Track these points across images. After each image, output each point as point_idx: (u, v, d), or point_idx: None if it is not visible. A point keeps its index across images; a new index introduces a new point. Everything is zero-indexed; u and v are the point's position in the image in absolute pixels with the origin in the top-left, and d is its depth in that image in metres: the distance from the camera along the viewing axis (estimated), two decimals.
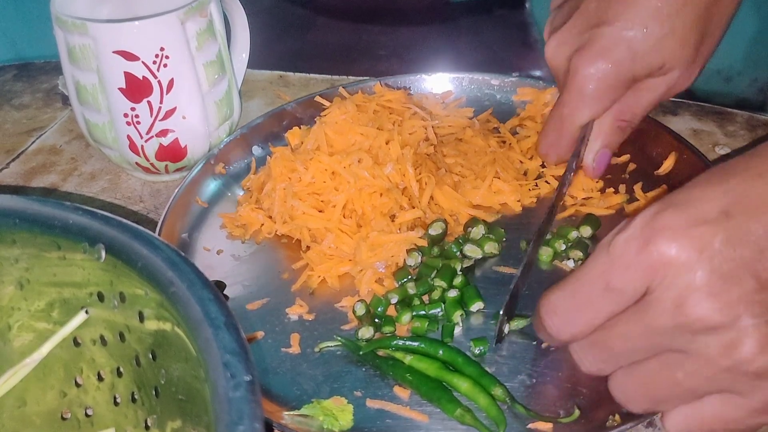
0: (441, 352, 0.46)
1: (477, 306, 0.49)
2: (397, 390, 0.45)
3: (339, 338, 0.48)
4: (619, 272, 0.34)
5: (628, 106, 0.54)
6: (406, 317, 0.48)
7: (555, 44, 0.54)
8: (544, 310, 0.38)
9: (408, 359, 0.45)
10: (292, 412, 0.43)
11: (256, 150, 0.64)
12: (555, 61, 0.55)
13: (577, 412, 0.42)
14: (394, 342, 0.46)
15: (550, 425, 0.42)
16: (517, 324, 0.47)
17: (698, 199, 0.33)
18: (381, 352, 0.47)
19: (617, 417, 0.41)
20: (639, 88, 0.53)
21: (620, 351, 0.36)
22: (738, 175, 0.33)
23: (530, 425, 0.42)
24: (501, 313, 0.46)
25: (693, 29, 0.50)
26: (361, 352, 0.47)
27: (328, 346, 0.47)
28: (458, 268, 0.51)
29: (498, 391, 0.43)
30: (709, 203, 0.33)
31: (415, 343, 0.46)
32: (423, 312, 0.49)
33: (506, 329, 0.47)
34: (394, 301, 0.50)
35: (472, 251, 0.53)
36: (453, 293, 0.49)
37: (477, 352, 0.46)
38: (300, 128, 0.61)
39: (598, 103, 0.53)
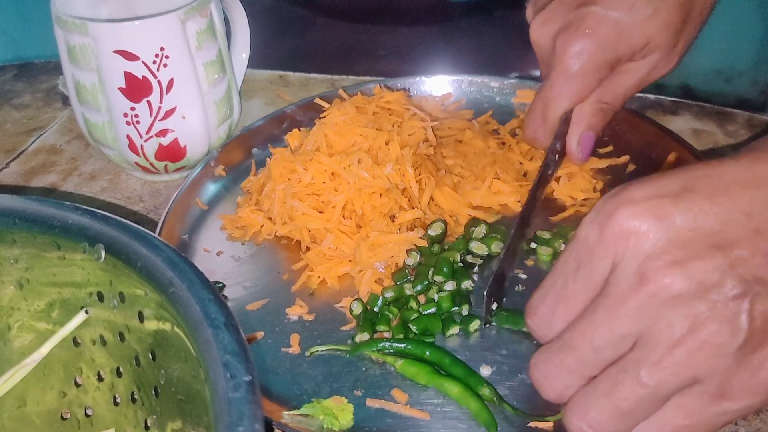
0: (428, 353, 0.46)
1: (466, 284, 0.50)
2: (397, 390, 0.45)
3: (330, 344, 0.48)
4: (585, 252, 0.33)
5: (609, 88, 0.54)
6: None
7: (540, 23, 0.54)
8: (525, 313, 0.37)
9: (399, 363, 0.45)
10: (292, 412, 0.43)
11: (256, 152, 0.64)
12: (540, 40, 0.54)
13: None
14: (381, 344, 0.46)
15: (550, 424, 0.42)
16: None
17: (660, 178, 0.33)
18: (374, 357, 0.47)
19: None
20: (620, 71, 0.54)
21: (585, 353, 0.33)
22: (701, 164, 0.33)
23: (530, 424, 0.42)
24: (485, 294, 0.47)
25: (676, 13, 0.51)
26: (348, 356, 0.47)
27: (318, 351, 0.47)
28: (457, 259, 0.52)
29: (486, 391, 0.43)
30: (671, 179, 0.32)
31: (402, 345, 0.46)
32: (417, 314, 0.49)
33: (494, 307, 0.48)
34: (388, 295, 0.50)
35: (478, 248, 0.53)
36: (450, 286, 0.50)
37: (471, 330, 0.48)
38: (300, 130, 0.61)
39: (584, 83, 0.53)
